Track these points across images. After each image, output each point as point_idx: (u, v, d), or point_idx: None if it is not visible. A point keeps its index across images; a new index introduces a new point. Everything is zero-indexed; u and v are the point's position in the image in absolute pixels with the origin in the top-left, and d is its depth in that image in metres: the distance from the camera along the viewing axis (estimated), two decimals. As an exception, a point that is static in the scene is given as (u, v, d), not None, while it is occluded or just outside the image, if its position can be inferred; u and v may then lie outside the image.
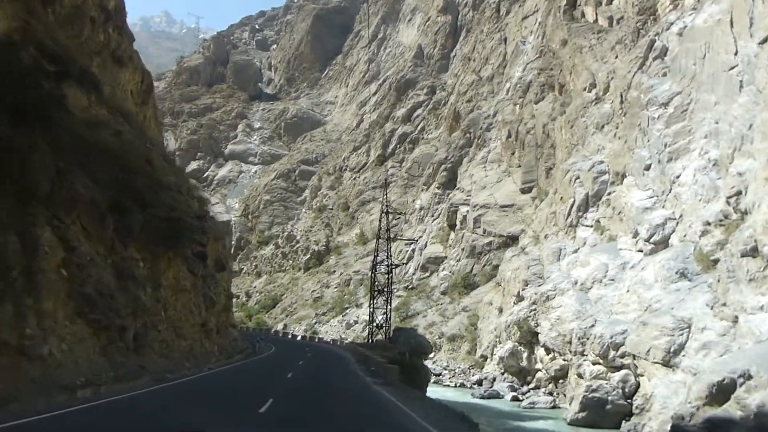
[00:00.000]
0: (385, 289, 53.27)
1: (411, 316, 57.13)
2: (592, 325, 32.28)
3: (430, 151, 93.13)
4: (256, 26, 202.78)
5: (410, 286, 63.46)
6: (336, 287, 75.43)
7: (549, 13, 70.67)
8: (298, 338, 61.91)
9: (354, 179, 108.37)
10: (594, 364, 30.51)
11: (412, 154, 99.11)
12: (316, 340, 59.52)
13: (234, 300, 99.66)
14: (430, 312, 55.99)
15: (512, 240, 54.94)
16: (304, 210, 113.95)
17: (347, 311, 66.90)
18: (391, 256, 57.29)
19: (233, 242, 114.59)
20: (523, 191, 60.15)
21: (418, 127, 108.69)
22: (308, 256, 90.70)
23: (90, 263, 15.91)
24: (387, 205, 59.31)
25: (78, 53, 24.18)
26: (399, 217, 76.18)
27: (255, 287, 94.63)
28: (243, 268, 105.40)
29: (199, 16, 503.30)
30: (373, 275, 54.67)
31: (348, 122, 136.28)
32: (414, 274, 65.21)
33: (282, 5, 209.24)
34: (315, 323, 68.51)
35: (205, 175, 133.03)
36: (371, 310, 52.83)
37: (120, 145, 20.56)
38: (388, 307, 52.60)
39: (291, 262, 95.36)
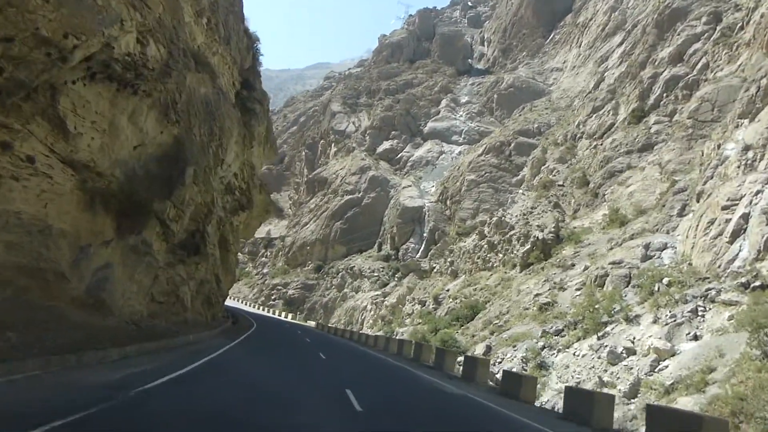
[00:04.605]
0: None
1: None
2: None
3: (731, 83, 57.61)
4: (469, 3, 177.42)
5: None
6: (579, 289, 43.63)
7: None
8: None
9: (595, 147, 75.58)
10: None
11: (693, 98, 63.80)
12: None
13: (419, 307, 72.85)
14: None
15: None
16: (521, 191, 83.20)
17: (607, 330, 34.74)
18: None
19: (425, 234, 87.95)
20: None
21: (696, 67, 72.58)
22: (528, 246, 59.90)
23: None
24: None
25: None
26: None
27: (448, 291, 66.14)
28: (435, 267, 77.80)
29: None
30: None
31: (582, 85, 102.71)
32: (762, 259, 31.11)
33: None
34: (542, 348, 37.46)
35: (398, 156, 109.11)
36: None
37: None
38: None
39: (502, 256, 65.23)
